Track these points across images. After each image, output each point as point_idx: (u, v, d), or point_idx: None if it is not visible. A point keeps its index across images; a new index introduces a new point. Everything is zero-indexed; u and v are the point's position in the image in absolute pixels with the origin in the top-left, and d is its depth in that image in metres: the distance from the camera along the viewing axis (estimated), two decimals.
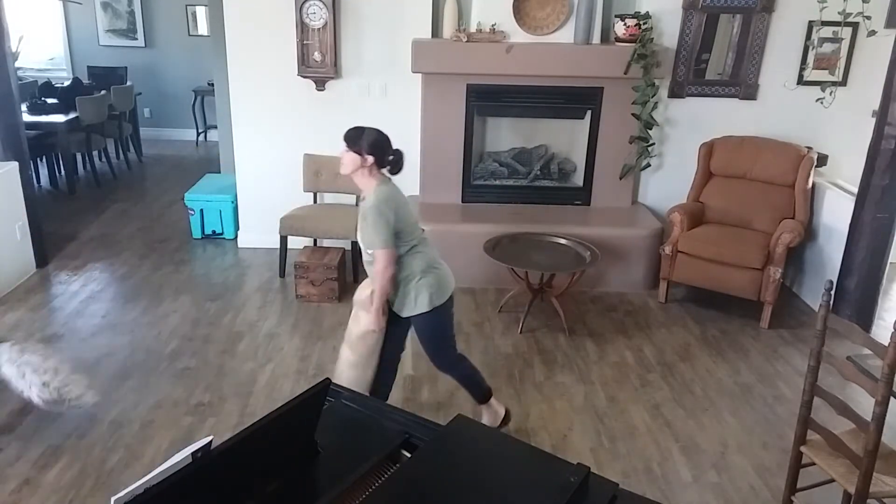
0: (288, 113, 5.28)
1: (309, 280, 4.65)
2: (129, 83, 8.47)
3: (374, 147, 2.89)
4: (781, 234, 4.45)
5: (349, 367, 3.12)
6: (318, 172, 5.25)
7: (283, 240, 5.05)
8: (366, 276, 5.26)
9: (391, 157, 2.95)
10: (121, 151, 8.23)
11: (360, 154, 2.89)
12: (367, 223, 2.90)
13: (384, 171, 2.98)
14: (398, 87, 5.21)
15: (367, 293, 3.04)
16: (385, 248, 2.87)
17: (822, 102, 4.76)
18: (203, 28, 8.87)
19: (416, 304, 2.99)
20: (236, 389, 3.70)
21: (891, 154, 4.17)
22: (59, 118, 6.88)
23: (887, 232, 4.31)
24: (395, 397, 3.65)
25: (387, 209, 2.86)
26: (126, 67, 8.88)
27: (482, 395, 3.29)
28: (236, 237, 5.70)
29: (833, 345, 3.03)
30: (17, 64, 5.97)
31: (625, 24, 4.89)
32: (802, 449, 2.62)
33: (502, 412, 3.35)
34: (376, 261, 2.91)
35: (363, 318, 3.06)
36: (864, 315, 4.39)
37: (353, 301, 3.17)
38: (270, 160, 5.39)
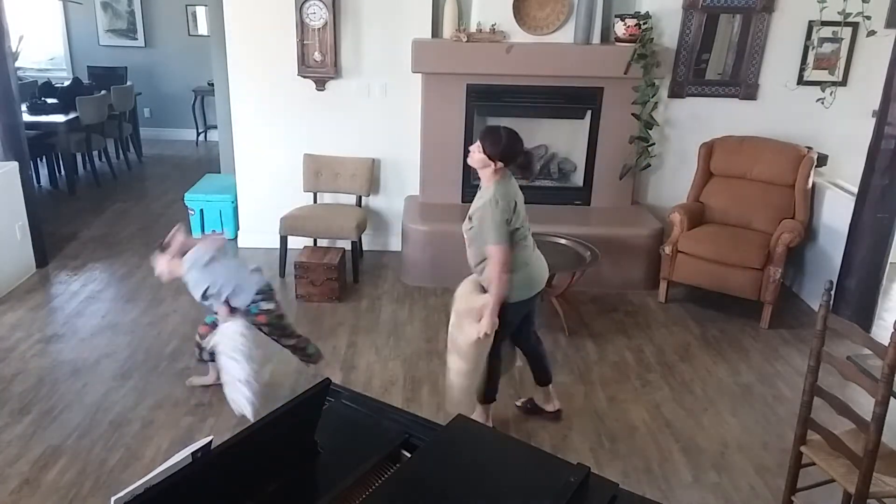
0: (288, 113, 5.28)
1: (309, 280, 4.65)
2: (129, 83, 8.46)
3: (504, 153, 2.93)
4: (781, 234, 4.45)
5: (461, 376, 3.08)
6: (318, 172, 5.25)
7: (283, 240, 5.05)
8: (366, 276, 5.23)
9: (520, 160, 3.01)
10: (121, 151, 8.22)
11: (488, 156, 2.95)
12: (483, 219, 2.94)
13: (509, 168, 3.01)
14: (398, 87, 5.21)
15: (479, 304, 2.98)
16: (499, 245, 2.91)
17: (822, 102, 4.75)
18: (203, 28, 8.86)
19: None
20: None
21: (891, 154, 4.17)
22: (59, 118, 6.88)
23: (887, 232, 4.31)
24: (395, 397, 3.66)
25: (505, 205, 2.92)
26: (126, 67, 8.88)
27: (487, 395, 3.26)
28: (236, 237, 5.70)
29: (833, 345, 3.02)
30: (17, 64, 5.97)
31: (625, 24, 4.89)
32: (802, 449, 2.62)
33: (485, 417, 3.30)
34: (490, 259, 2.94)
35: (468, 328, 2.99)
36: (864, 315, 4.39)
37: (455, 311, 3.10)
38: (270, 160, 5.39)
